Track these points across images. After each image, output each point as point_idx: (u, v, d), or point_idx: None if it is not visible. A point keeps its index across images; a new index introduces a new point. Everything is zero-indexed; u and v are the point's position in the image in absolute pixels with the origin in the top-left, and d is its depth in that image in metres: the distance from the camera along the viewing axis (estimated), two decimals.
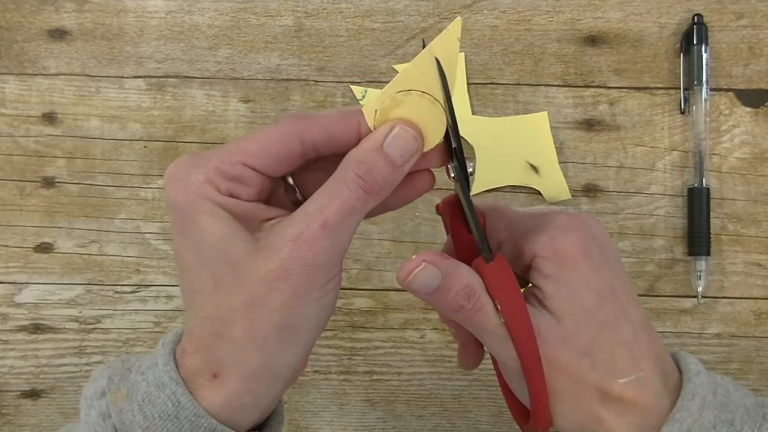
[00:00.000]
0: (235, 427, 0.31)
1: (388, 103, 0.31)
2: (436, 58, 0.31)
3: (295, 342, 0.31)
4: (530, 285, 0.34)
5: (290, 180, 0.34)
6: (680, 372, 0.33)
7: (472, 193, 0.53)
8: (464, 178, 0.33)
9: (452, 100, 0.32)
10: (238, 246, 0.30)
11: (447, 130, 0.33)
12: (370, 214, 0.33)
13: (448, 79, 0.31)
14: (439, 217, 0.40)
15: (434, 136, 0.32)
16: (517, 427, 0.36)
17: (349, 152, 0.31)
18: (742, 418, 0.31)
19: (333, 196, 0.30)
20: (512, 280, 0.32)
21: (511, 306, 0.32)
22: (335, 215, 0.30)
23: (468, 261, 0.34)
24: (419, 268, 0.31)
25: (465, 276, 0.32)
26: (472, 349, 0.38)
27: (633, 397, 0.31)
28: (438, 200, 0.53)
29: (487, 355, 0.36)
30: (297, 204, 0.34)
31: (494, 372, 0.37)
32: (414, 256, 0.32)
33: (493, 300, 0.32)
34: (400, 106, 0.31)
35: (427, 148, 0.32)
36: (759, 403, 0.32)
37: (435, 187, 0.35)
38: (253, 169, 0.31)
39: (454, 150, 0.33)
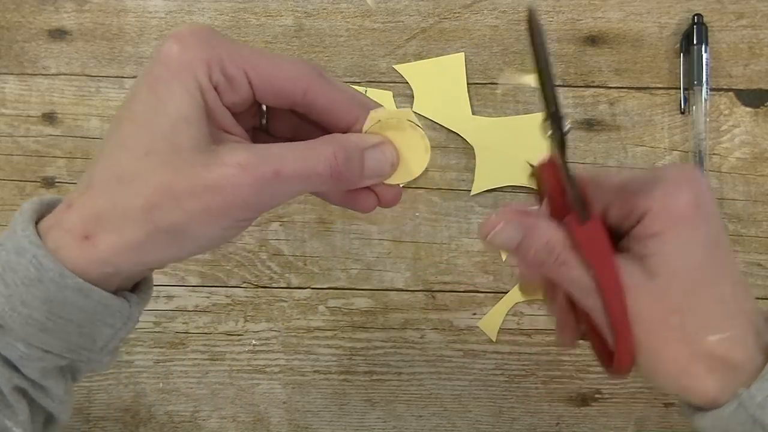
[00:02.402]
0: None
1: (393, 123, 0.32)
2: (531, 13, 0.30)
3: (177, 248, 0.30)
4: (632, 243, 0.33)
5: (263, 107, 0.34)
6: None
7: (472, 193, 0.53)
8: (560, 136, 0.32)
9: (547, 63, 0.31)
10: (190, 134, 0.29)
11: (543, 87, 0.32)
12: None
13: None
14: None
15: (405, 174, 0.33)
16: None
17: (337, 134, 0.32)
18: None
19: (301, 157, 0.30)
20: (604, 240, 0.32)
21: (601, 267, 0.32)
22: (291, 172, 0.30)
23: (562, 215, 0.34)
24: (500, 227, 0.32)
25: (546, 232, 0.32)
26: (570, 326, 0.37)
27: (723, 354, 0.31)
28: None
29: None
30: (255, 129, 0.34)
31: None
32: (494, 214, 0.32)
33: (583, 258, 0.32)
34: (399, 130, 0.32)
35: (392, 180, 0.33)
36: None
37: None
38: (249, 83, 0.31)
39: (550, 102, 0.32)
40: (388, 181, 0.33)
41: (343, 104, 0.32)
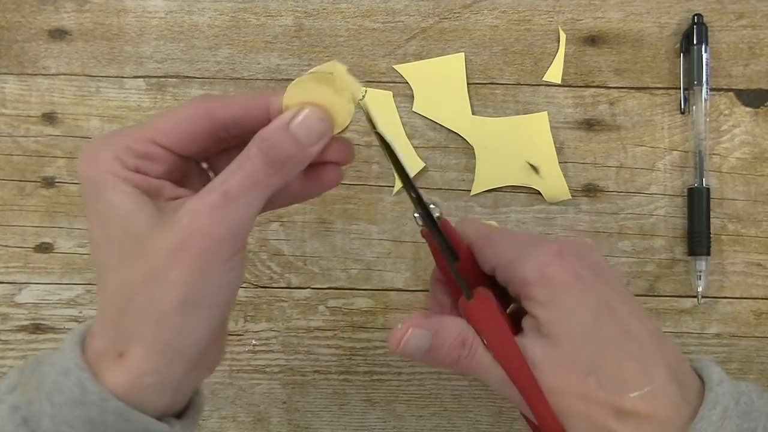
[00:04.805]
0: (143, 409, 0.30)
1: (312, 85, 0.33)
2: (382, 135, 0.34)
3: (196, 318, 0.31)
4: (527, 315, 0.34)
5: (204, 165, 0.35)
6: (702, 380, 0.32)
7: (472, 193, 0.53)
8: (432, 224, 0.34)
9: (399, 159, 0.34)
10: (142, 221, 0.30)
11: (406, 183, 0.34)
12: (275, 204, 0.34)
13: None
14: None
15: (342, 120, 0.33)
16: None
17: (261, 130, 0.32)
18: (765, 426, 0.30)
19: (235, 169, 0.31)
20: (495, 313, 0.33)
21: (496, 338, 0.32)
22: (235, 186, 0.30)
23: (458, 287, 0.34)
24: (408, 333, 0.32)
25: (454, 327, 0.33)
26: None
27: (647, 409, 0.30)
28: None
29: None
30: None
31: None
32: (399, 325, 0.33)
33: (480, 337, 0.32)
34: (324, 86, 0.33)
35: (335, 131, 0.33)
36: None
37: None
38: (163, 147, 0.32)
39: (416, 200, 0.34)
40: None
41: (246, 104, 0.32)
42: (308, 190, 0.35)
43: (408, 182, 0.34)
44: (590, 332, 0.32)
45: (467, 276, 0.35)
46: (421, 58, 0.54)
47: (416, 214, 0.35)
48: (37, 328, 0.53)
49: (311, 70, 0.33)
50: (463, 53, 0.54)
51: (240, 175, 0.30)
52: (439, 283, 0.40)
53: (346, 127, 0.33)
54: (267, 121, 0.32)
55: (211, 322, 0.31)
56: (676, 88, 0.53)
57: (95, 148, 0.31)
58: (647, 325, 0.33)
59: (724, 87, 0.53)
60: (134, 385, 0.30)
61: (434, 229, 0.35)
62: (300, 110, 0.32)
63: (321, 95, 0.32)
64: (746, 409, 0.30)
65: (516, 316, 0.35)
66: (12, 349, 0.53)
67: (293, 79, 0.33)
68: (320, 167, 0.34)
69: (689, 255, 0.52)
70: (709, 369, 0.32)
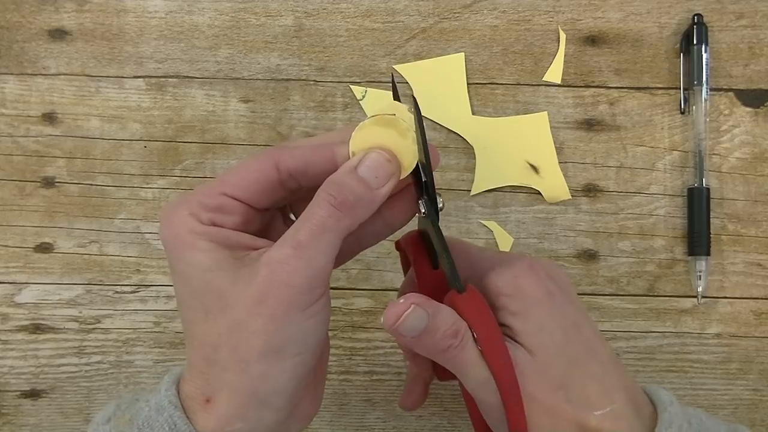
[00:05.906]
0: None
1: (375, 129, 0.33)
2: (414, 98, 0.33)
3: (280, 366, 0.31)
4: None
5: (292, 216, 0.35)
6: (653, 404, 0.33)
7: (472, 193, 0.53)
8: (435, 212, 0.34)
9: (425, 134, 0.33)
10: (221, 276, 0.31)
11: (418, 166, 0.34)
12: (343, 255, 0.34)
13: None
14: (406, 247, 0.41)
15: (408, 162, 0.33)
16: None
17: (327, 178, 0.32)
18: None
19: (306, 217, 0.31)
20: (487, 310, 0.33)
21: (488, 334, 0.32)
22: (307, 234, 0.30)
23: (432, 298, 0.34)
24: (409, 310, 0.32)
25: (450, 315, 0.33)
26: (419, 390, 0.40)
27: (610, 428, 0.31)
28: None
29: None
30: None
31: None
32: (401, 300, 0.32)
33: (471, 331, 0.32)
34: (387, 128, 0.33)
35: (403, 174, 0.33)
36: (732, 429, 0.33)
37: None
38: (234, 199, 0.32)
39: (425, 184, 0.33)
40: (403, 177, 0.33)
41: (312, 152, 0.33)
42: (375, 234, 0.35)
43: (427, 163, 0.34)
44: (561, 348, 0.32)
45: (433, 287, 0.35)
46: (421, 58, 0.54)
47: (421, 201, 0.34)
48: (37, 328, 0.53)
49: (373, 113, 0.33)
50: (463, 53, 0.54)
51: (310, 223, 0.31)
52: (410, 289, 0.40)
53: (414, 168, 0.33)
54: (334, 169, 0.32)
55: (296, 369, 0.32)
56: (676, 88, 0.53)
57: (171, 209, 0.32)
58: (607, 348, 0.34)
59: (724, 87, 0.53)
60: (222, 429, 0.31)
61: (435, 219, 0.34)
62: (367, 154, 0.32)
63: (386, 138, 0.33)
64: (699, 428, 0.32)
65: None
66: (12, 349, 0.53)
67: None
68: (395, 202, 0.34)
69: (689, 255, 0.52)
70: (659, 393, 0.34)
